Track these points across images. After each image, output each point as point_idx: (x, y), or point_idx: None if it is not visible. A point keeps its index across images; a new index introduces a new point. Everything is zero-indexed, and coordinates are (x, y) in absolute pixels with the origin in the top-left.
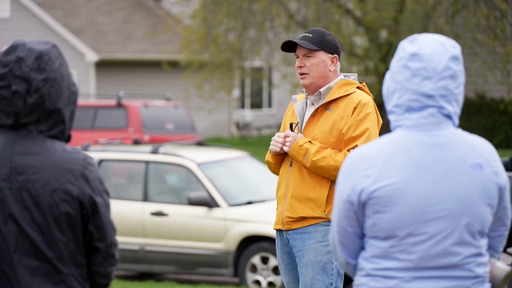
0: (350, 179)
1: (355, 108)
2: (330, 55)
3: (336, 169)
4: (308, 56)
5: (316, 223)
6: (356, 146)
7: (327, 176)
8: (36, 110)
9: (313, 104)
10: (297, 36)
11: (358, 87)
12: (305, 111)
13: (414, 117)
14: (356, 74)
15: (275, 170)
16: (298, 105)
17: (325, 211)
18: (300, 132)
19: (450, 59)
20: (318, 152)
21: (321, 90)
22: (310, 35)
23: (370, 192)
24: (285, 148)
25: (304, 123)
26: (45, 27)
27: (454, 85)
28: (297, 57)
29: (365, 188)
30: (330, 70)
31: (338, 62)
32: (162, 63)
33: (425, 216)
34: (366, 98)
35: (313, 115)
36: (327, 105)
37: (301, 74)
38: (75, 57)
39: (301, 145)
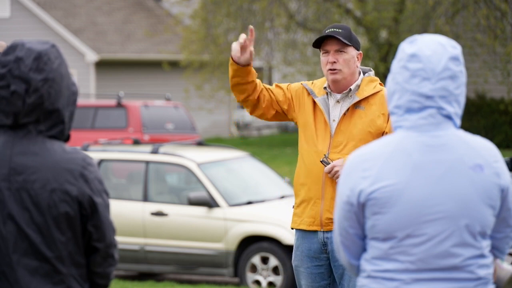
0: (349, 180)
1: None
2: (357, 52)
3: None
4: (341, 51)
5: None
6: None
7: None
8: (35, 110)
9: (338, 101)
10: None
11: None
12: (329, 108)
13: (413, 118)
14: (373, 70)
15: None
16: (321, 101)
17: None
18: (333, 132)
19: (449, 59)
20: None
21: (352, 87)
22: (340, 30)
23: (369, 193)
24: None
25: (336, 123)
26: (45, 27)
27: (454, 85)
28: (325, 53)
29: (364, 189)
30: (357, 67)
31: None
32: (162, 63)
33: (423, 217)
34: None
35: (345, 113)
36: (357, 103)
37: (333, 69)
38: (75, 57)
39: None
